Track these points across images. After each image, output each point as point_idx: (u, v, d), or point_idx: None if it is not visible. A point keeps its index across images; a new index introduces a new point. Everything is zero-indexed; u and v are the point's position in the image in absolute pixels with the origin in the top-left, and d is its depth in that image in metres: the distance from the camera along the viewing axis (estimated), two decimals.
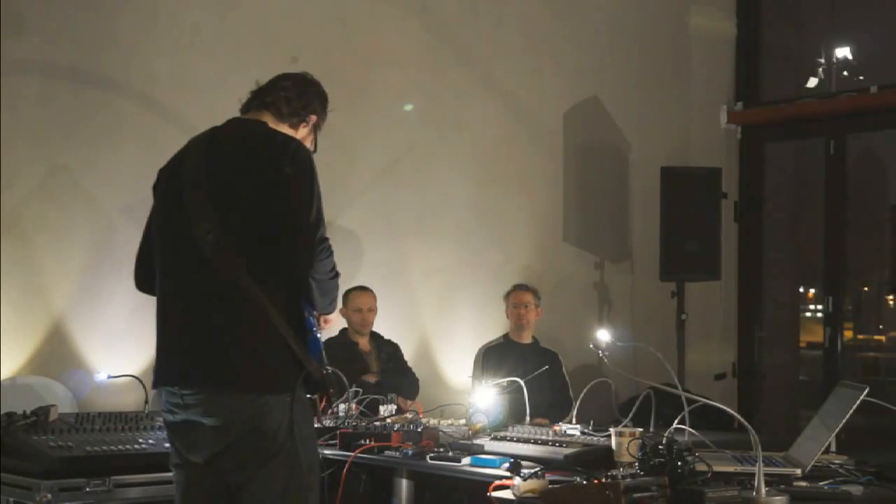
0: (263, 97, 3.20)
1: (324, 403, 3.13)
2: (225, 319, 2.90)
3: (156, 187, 3.20)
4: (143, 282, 3.20)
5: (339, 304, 3.20)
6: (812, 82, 7.61)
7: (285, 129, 3.15)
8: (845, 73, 7.54)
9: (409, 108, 6.54)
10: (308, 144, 3.19)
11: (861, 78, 7.49)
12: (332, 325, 3.23)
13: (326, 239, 2.94)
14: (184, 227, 2.98)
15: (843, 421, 3.24)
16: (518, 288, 6.28)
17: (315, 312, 3.07)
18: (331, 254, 2.96)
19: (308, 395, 3.05)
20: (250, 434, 2.88)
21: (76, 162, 5.33)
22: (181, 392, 2.96)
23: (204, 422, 2.92)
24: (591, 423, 4.02)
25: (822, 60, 7.58)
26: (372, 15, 6.36)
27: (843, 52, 7.53)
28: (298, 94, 3.19)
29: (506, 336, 6.29)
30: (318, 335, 3.05)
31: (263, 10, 5.93)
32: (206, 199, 2.96)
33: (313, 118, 3.21)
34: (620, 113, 7.45)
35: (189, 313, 2.97)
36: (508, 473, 3.28)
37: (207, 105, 5.71)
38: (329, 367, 3.09)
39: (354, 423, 4.09)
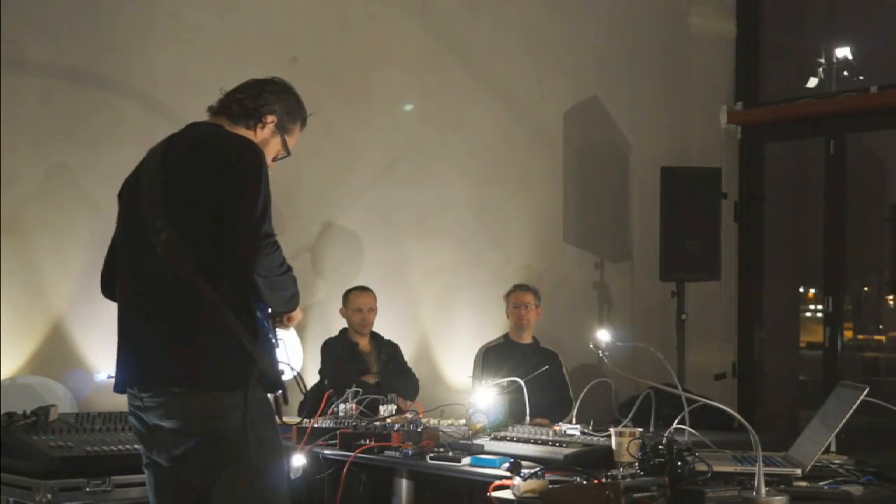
0: (221, 101, 3.23)
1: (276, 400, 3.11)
2: (176, 319, 2.92)
3: (120, 195, 3.24)
4: (107, 287, 3.25)
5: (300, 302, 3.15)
6: (812, 82, 7.61)
7: (241, 131, 3.15)
8: (845, 73, 7.53)
9: (409, 108, 6.54)
10: (274, 147, 3.20)
11: (861, 78, 7.48)
12: (295, 323, 3.19)
13: (272, 235, 2.93)
14: (140, 230, 3.02)
15: (843, 421, 3.24)
16: (518, 288, 6.28)
17: (276, 311, 3.06)
18: (276, 249, 2.94)
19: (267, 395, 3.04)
20: (207, 436, 2.89)
21: (76, 162, 5.33)
22: (140, 394, 2.99)
23: (163, 424, 2.94)
24: (591, 423, 4.02)
25: (822, 60, 7.57)
26: (372, 15, 6.37)
27: (843, 52, 7.53)
28: (252, 95, 3.19)
29: (506, 336, 6.29)
30: (272, 334, 3.02)
31: (263, 10, 5.93)
32: (160, 200, 2.99)
33: (270, 118, 3.19)
34: (620, 113, 7.45)
35: (143, 315, 3.00)
36: (508, 473, 3.28)
37: (207, 105, 5.74)
38: (285, 367, 3.06)
39: (354, 423, 4.09)
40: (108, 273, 3.22)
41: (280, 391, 3.06)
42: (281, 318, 3.14)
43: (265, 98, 3.19)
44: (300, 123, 3.29)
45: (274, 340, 3.03)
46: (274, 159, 3.24)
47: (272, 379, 2.97)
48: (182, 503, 3.01)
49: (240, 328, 2.89)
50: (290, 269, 3.01)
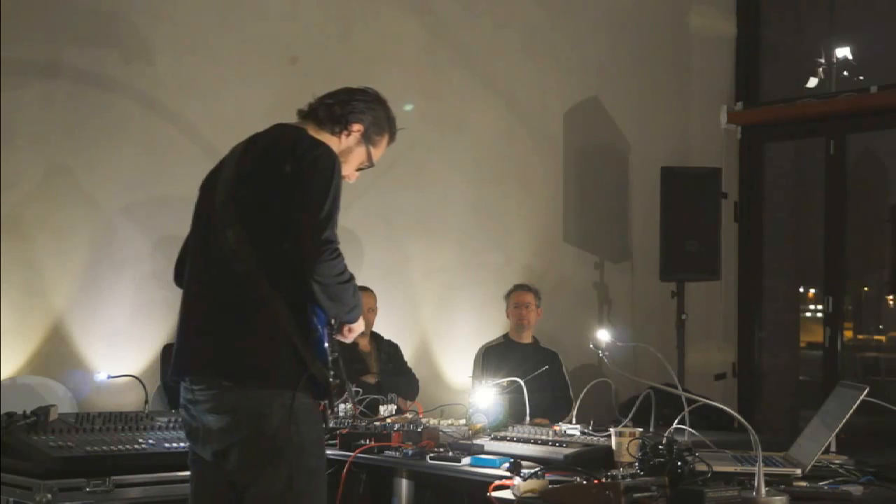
0: (311, 104, 3.21)
1: (323, 408, 3.10)
2: (233, 314, 2.93)
3: (201, 186, 3.22)
4: (179, 276, 3.22)
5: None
6: (812, 82, 7.61)
7: (326, 136, 3.14)
8: (845, 73, 7.54)
9: (409, 108, 6.53)
10: (358, 157, 3.21)
11: (861, 78, 7.49)
12: (354, 335, 3.15)
13: (333, 242, 2.89)
14: (210, 223, 3.04)
15: (843, 421, 3.24)
16: (519, 288, 6.28)
17: (333, 319, 3.04)
18: (337, 256, 2.90)
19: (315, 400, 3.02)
20: (251, 435, 2.89)
21: (76, 162, 5.33)
22: (192, 387, 2.99)
23: (209, 419, 2.94)
24: (591, 423, 4.02)
25: (822, 60, 7.58)
26: (372, 15, 6.37)
27: (843, 52, 7.53)
28: (342, 102, 3.17)
29: (506, 336, 6.29)
30: (327, 341, 2.99)
31: (263, 10, 5.93)
32: (232, 197, 3.00)
33: (356, 127, 3.18)
34: (620, 113, 7.45)
35: (203, 306, 3.01)
36: (508, 473, 3.28)
37: (208, 105, 5.75)
38: (333, 374, 3.02)
39: (354, 423, 4.09)
40: (182, 261, 3.20)
41: (327, 399, 3.05)
42: (340, 328, 3.12)
43: (354, 106, 3.18)
44: (388, 136, 3.28)
45: (328, 347, 3.00)
46: (357, 169, 3.24)
47: (321, 385, 2.96)
48: (221, 500, 3.01)
49: (294, 330, 2.90)
50: (350, 279, 2.97)
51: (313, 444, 2.96)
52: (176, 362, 3.06)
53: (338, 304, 2.96)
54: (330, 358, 2.99)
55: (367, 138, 3.21)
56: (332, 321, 3.03)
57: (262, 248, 2.91)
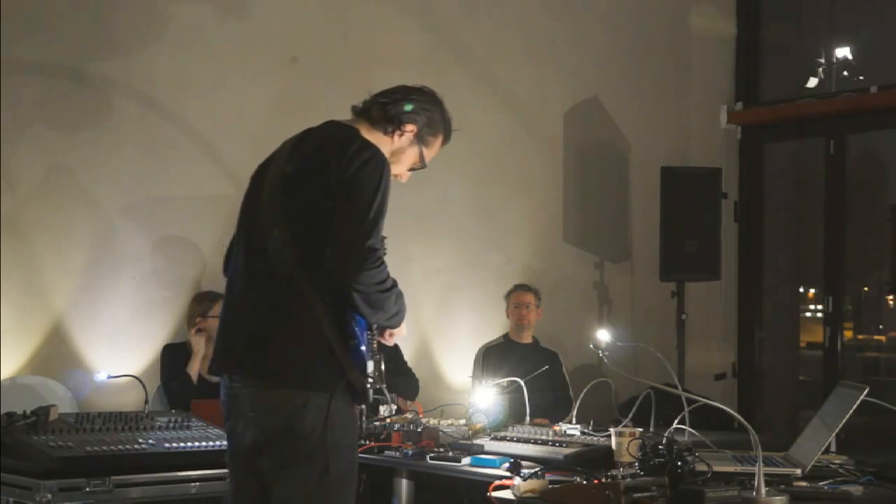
0: (365, 102, 3.17)
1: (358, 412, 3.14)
2: (273, 314, 2.92)
3: (252, 177, 3.18)
4: (227, 269, 3.21)
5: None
6: (812, 82, 7.61)
7: (378, 136, 3.11)
8: (845, 73, 7.54)
9: (409, 108, 6.53)
10: (410, 158, 3.18)
11: (861, 78, 7.49)
12: (396, 339, 3.18)
13: (376, 250, 2.85)
14: (255, 221, 3.02)
15: (843, 421, 3.24)
16: (519, 288, 6.28)
17: (373, 329, 3.05)
18: (379, 265, 2.86)
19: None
20: (285, 433, 2.89)
21: (76, 162, 5.33)
22: (231, 383, 3.00)
23: (247, 414, 2.95)
24: (591, 423, 4.02)
25: (822, 60, 7.58)
26: (372, 15, 6.36)
27: (843, 52, 7.53)
28: (396, 101, 3.15)
29: (506, 336, 6.29)
30: (366, 345, 2.99)
31: (263, 10, 5.93)
32: (278, 196, 2.97)
33: (409, 128, 3.14)
34: (620, 113, 7.45)
35: (244, 303, 2.99)
36: (508, 473, 3.28)
37: (207, 105, 5.75)
38: (372, 380, 3.03)
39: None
40: (230, 254, 3.19)
41: (364, 404, 3.05)
42: (382, 332, 3.13)
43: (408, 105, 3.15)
44: (442, 137, 3.25)
45: (365, 351, 2.99)
46: (410, 169, 3.22)
47: (357, 390, 2.94)
48: (256, 497, 3.01)
49: (333, 335, 2.88)
50: (393, 286, 2.94)
51: (345, 448, 2.94)
52: (217, 358, 3.07)
53: (378, 312, 2.93)
54: (370, 363, 2.98)
55: (420, 139, 3.18)
56: (374, 326, 3.04)
57: (305, 251, 2.89)
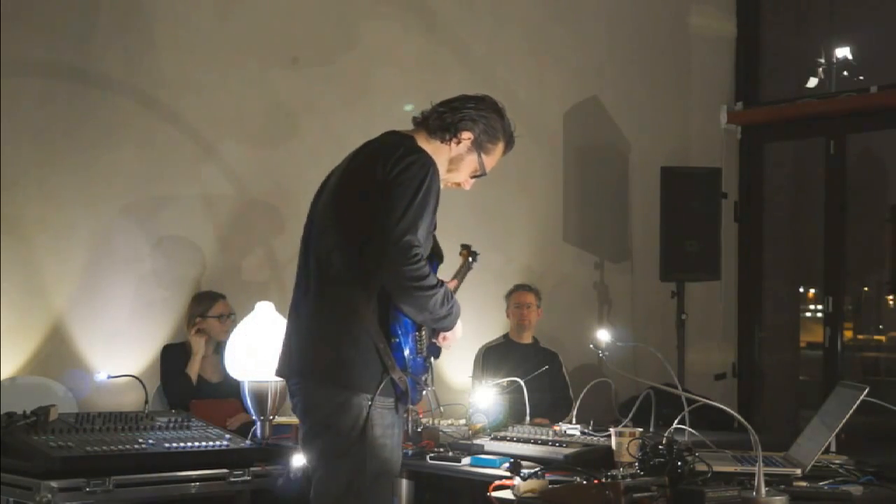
0: (425, 112, 3.26)
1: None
2: (321, 316, 3.04)
3: (316, 193, 3.31)
4: None
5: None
6: (812, 82, 7.61)
7: (436, 144, 3.19)
8: (845, 73, 7.54)
9: (409, 108, 6.52)
10: (469, 165, 3.23)
11: (861, 78, 7.49)
12: (450, 343, 3.23)
13: (414, 246, 2.92)
14: (314, 226, 3.15)
15: (843, 421, 3.24)
16: (520, 288, 6.28)
17: (421, 331, 3.10)
18: (417, 261, 2.92)
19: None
20: (327, 430, 3.00)
21: (76, 162, 5.33)
22: (288, 382, 3.15)
23: (300, 410, 3.09)
24: (591, 423, 4.02)
25: (822, 60, 7.58)
26: (372, 15, 6.36)
27: (843, 52, 7.53)
28: (453, 110, 3.21)
29: (506, 336, 6.29)
30: (411, 346, 3.05)
31: (263, 10, 5.93)
32: (333, 201, 3.10)
33: (466, 135, 3.20)
34: (620, 113, 7.45)
35: (302, 311, 3.13)
36: (508, 473, 3.28)
37: (208, 105, 5.75)
38: (418, 382, 3.10)
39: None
40: None
41: (406, 405, 3.12)
42: (436, 334, 3.18)
43: (465, 114, 3.21)
44: (503, 145, 3.30)
45: (409, 355, 3.05)
46: (472, 176, 3.29)
47: (399, 388, 3.03)
48: None
49: (378, 333, 2.98)
50: (436, 286, 3.00)
51: (383, 448, 3.02)
52: (279, 359, 3.21)
53: (423, 312, 3.01)
54: (409, 362, 3.03)
55: (478, 146, 3.23)
56: (422, 329, 3.08)
57: (352, 253, 3.00)
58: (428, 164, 3.02)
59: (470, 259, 3.69)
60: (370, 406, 2.96)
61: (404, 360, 3.02)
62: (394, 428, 3.06)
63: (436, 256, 3.19)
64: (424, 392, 3.21)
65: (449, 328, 3.16)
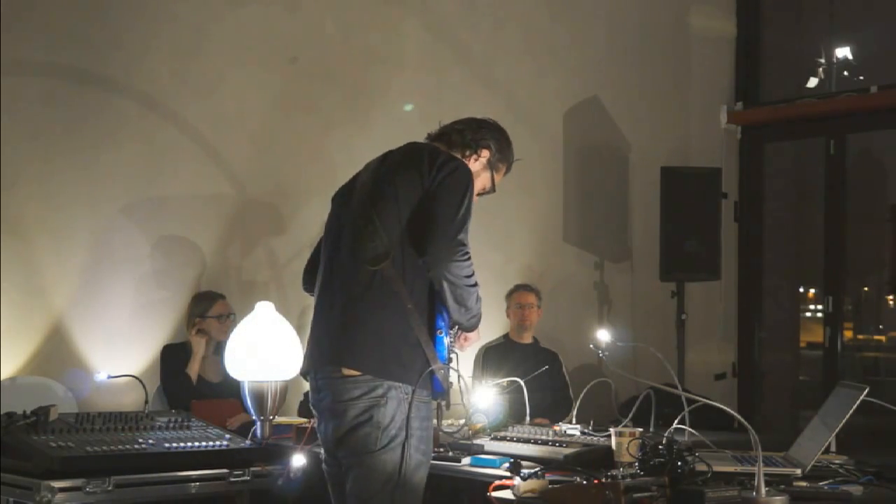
0: (439, 130, 3.43)
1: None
2: (362, 306, 3.09)
3: (333, 198, 3.41)
4: (307, 283, 3.45)
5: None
6: (812, 82, 7.61)
7: None
8: (845, 73, 7.53)
9: (409, 108, 6.53)
10: (482, 181, 3.39)
11: (861, 78, 7.48)
12: (471, 343, 3.33)
13: (465, 245, 3.11)
14: (346, 226, 3.21)
15: (843, 421, 3.24)
16: (522, 288, 6.27)
17: (454, 328, 3.19)
18: (467, 259, 3.11)
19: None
20: (364, 421, 3.03)
21: (76, 162, 5.33)
22: (316, 377, 3.16)
23: (329, 404, 3.10)
24: (591, 423, 4.03)
25: (822, 60, 7.57)
26: (372, 15, 6.36)
27: (843, 52, 7.53)
28: (472, 129, 3.40)
29: (506, 336, 6.29)
30: (446, 343, 3.16)
31: (263, 10, 5.93)
32: (372, 205, 3.16)
33: (485, 153, 3.38)
34: (620, 113, 7.45)
35: (335, 309, 3.15)
36: (508, 473, 3.28)
37: (208, 105, 5.75)
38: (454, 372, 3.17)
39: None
40: (311, 269, 3.41)
41: (443, 399, 3.24)
42: (457, 337, 3.26)
43: (483, 133, 3.41)
44: (507, 166, 3.49)
45: (445, 349, 3.15)
46: (479, 193, 3.41)
47: (438, 384, 3.12)
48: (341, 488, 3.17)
49: (421, 328, 3.07)
50: (476, 285, 3.16)
51: (421, 441, 3.09)
52: (306, 359, 3.24)
53: (462, 308, 3.14)
54: (447, 359, 3.14)
55: (491, 164, 3.41)
56: (454, 328, 3.20)
57: (398, 250, 3.09)
58: (469, 171, 3.22)
59: None
60: (410, 399, 3.04)
61: (445, 353, 3.13)
62: (429, 420, 3.16)
63: None
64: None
65: (474, 328, 3.27)
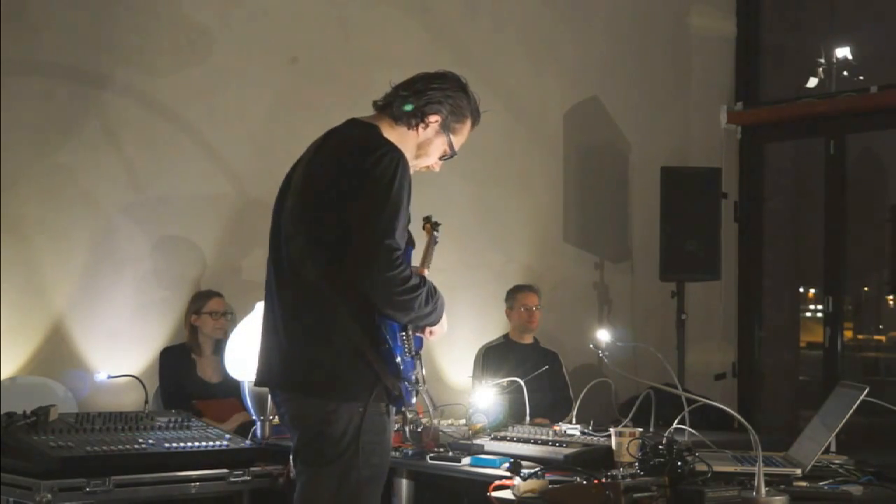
0: (386, 96, 3.12)
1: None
2: (300, 325, 2.91)
3: (281, 187, 3.17)
4: None
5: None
6: (812, 82, 7.61)
7: (402, 131, 3.07)
8: (845, 73, 7.53)
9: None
10: (438, 147, 3.12)
11: (861, 78, 7.48)
12: (437, 336, 3.13)
13: (396, 250, 2.81)
14: (281, 229, 3.01)
15: (843, 421, 3.24)
16: (527, 289, 6.24)
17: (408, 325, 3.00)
18: (399, 265, 2.81)
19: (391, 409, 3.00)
20: (315, 440, 2.90)
21: (76, 162, 5.33)
22: (272, 393, 3.10)
23: (287, 420, 3.03)
24: (591, 423, 4.03)
25: (822, 60, 7.57)
26: (372, 15, 6.36)
27: (843, 52, 7.53)
28: (416, 93, 3.09)
29: (506, 336, 6.29)
30: (399, 348, 2.94)
31: (263, 10, 5.93)
32: (300, 203, 2.96)
33: (434, 118, 3.09)
34: (620, 113, 7.45)
35: (275, 318, 2.99)
36: (508, 473, 3.28)
37: (207, 105, 5.75)
38: (411, 384, 2.97)
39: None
40: None
41: (402, 407, 3.06)
42: (422, 329, 3.06)
43: (430, 97, 3.09)
44: (470, 122, 3.19)
45: (400, 354, 2.94)
46: (441, 158, 3.16)
47: (394, 394, 2.92)
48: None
49: (363, 339, 2.86)
50: (420, 285, 2.89)
51: (373, 454, 2.92)
52: (258, 373, 3.08)
53: (406, 313, 2.89)
54: (401, 367, 2.92)
55: (445, 127, 3.12)
56: (407, 328, 2.97)
57: (327, 257, 2.86)
58: (397, 158, 2.89)
59: (435, 233, 3.50)
60: (362, 415, 2.86)
61: (397, 367, 2.91)
62: (385, 433, 2.97)
63: (409, 243, 3.02)
64: (418, 392, 3.11)
65: (435, 323, 3.04)
